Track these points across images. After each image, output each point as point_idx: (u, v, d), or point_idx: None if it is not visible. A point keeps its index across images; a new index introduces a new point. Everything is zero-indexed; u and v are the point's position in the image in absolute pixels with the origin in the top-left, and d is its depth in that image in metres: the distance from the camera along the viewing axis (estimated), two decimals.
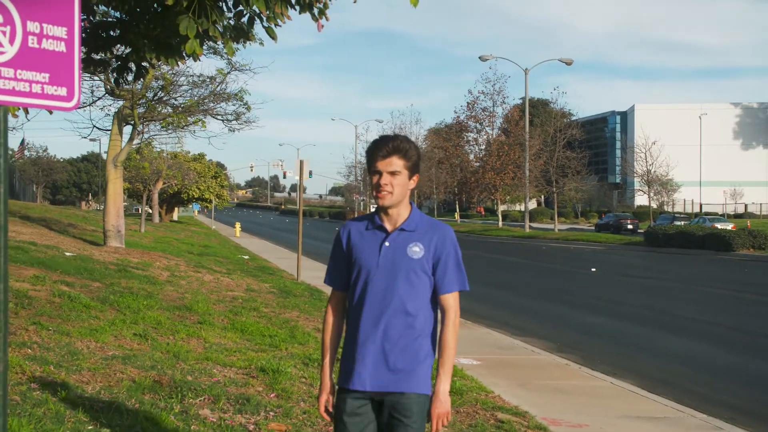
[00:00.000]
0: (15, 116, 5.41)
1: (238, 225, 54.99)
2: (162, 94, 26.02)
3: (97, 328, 10.61)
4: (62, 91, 2.42)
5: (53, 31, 2.38)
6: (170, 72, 25.05)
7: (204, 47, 18.89)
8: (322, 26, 5.52)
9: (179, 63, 5.38)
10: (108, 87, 24.18)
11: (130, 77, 6.33)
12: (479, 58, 62.74)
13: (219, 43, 5.35)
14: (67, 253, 19.27)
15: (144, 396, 7.51)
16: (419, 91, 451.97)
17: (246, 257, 29.96)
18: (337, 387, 4.35)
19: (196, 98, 26.59)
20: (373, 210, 4.52)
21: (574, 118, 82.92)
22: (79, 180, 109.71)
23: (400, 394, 4.17)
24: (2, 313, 2.19)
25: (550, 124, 66.55)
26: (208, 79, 26.38)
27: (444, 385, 4.18)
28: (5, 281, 2.18)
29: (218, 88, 26.54)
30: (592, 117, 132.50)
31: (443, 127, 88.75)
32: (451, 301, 4.26)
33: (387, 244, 4.25)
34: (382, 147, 4.19)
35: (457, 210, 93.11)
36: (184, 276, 19.32)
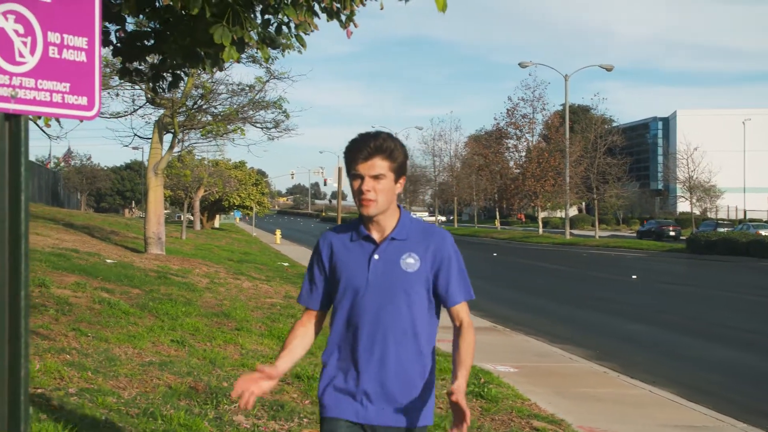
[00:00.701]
0: (48, 125, 5.48)
1: (278, 232, 55.22)
2: (202, 103, 26.25)
3: (135, 334, 10.71)
4: (83, 101, 2.46)
5: (74, 41, 2.41)
6: (210, 81, 25.29)
7: (242, 55, 18.95)
8: (351, 33, 5.54)
9: (207, 71, 5.42)
10: (148, 96, 24.41)
11: (165, 86, 6.40)
12: (519, 64, 62.52)
13: (254, 49, 5.36)
14: (108, 260, 19.47)
15: (179, 402, 7.57)
16: (459, 98, 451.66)
17: (285, 264, 30.08)
18: (320, 417, 3.81)
19: (235, 106, 26.80)
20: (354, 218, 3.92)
21: (615, 125, 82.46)
22: (123, 188, 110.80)
23: (404, 429, 3.71)
24: (23, 319, 2.22)
25: (591, 130, 66.08)
26: (247, 88, 26.59)
27: (463, 386, 3.50)
28: (26, 288, 2.22)
29: (257, 97, 26.72)
30: (634, 123, 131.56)
31: (483, 134, 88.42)
32: (463, 312, 3.79)
33: (376, 257, 3.72)
34: (362, 147, 3.65)
35: (497, 217, 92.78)
36: (223, 283, 19.43)
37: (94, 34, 2.46)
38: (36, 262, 15.96)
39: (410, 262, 3.71)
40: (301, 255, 38.75)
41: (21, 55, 2.30)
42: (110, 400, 7.25)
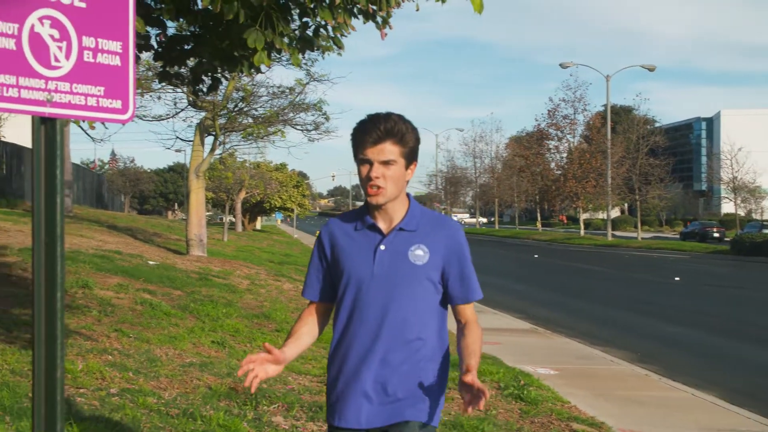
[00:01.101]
0: (92, 128, 5.55)
1: (318, 233, 55.31)
2: (242, 105, 26.44)
3: (176, 335, 10.80)
4: (117, 104, 2.48)
5: (108, 45, 2.44)
6: (250, 83, 25.47)
7: (279, 58, 18.94)
8: (386, 35, 5.54)
9: (244, 74, 5.46)
10: (190, 99, 24.62)
11: (205, 89, 6.46)
12: (560, 65, 62.17)
13: (285, 54, 5.38)
14: (151, 262, 19.64)
15: (219, 403, 7.62)
16: (500, 99, 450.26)
17: None
18: (327, 425, 3.62)
19: (275, 109, 26.96)
20: (361, 205, 3.69)
21: (657, 125, 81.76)
22: (166, 190, 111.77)
23: (403, 424, 3.47)
24: (59, 321, 2.25)
25: (633, 131, 65.49)
26: (288, 90, 26.72)
27: (474, 368, 3.33)
28: (62, 289, 2.24)
29: (297, 99, 26.86)
30: (677, 123, 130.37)
31: (524, 135, 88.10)
32: (470, 312, 3.60)
33: (383, 247, 3.47)
34: (371, 130, 3.36)
35: (539, 218, 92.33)
36: (264, 285, 19.52)
37: (129, 39, 2.48)
38: (80, 263, 16.14)
39: (419, 254, 3.47)
40: None
41: (56, 60, 2.33)
42: (151, 401, 7.31)
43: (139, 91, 26.31)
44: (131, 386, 7.78)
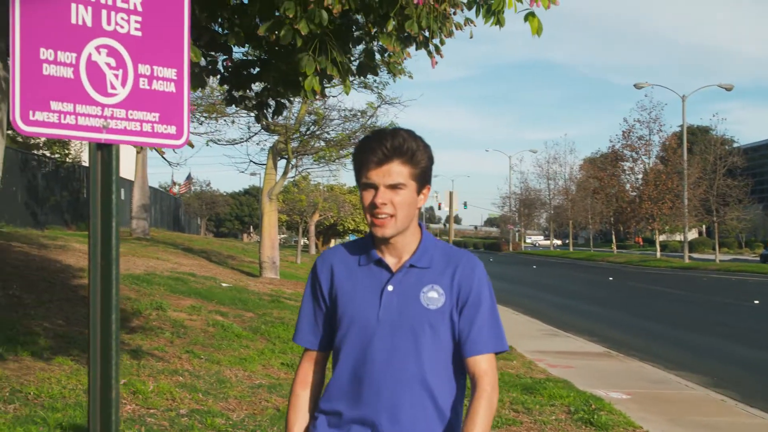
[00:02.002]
0: (161, 153, 5.66)
1: None
2: (314, 129, 26.73)
3: (246, 357, 10.91)
4: (172, 130, 2.55)
5: (163, 72, 2.51)
6: (323, 107, 25.74)
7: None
8: (436, 62, 5.56)
9: (307, 98, 5.54)
10: (263, 123, 24.93)
11: (270, 113, 6.57)
12: (634, 85, 61.45)
13: (342, 79, 5.43)
14: (224, 284, 19.89)
15: None
16: (574, 120, 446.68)
17: None
18: None
19: (347, 132, 27.18)
20: (364, 235, 3.12)
21: (735, 145, 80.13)
22: (241, 213, 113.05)
23: None
24: (114, 341, 2.30)
25: (710, 151, 64.34)
26: (359, 113, 26.93)
27: None
28: (116, 311, 2.30)
29: (369, 122, 27.03)
30: (756, 143, 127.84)
31: (598, 156, 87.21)
32: (485, 365, 2.90)
33: (390, 288, 2.91)
34: (375, 148, 2.83)
35: (614, 240, 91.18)
36: None
37: (183, 66, 2.55)
38: (154, 285, 16.44)
39: (433, 296, 2.90)
40: None
41: (113, 87, 2.40)
42: (219, 422, 7.38)
43: (214, 115, 26.74)
44: (200, 407, 7.87)
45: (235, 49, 6.40)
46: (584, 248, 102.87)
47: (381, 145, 2.82)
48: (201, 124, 32.19)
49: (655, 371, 13.95)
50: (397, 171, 2.83)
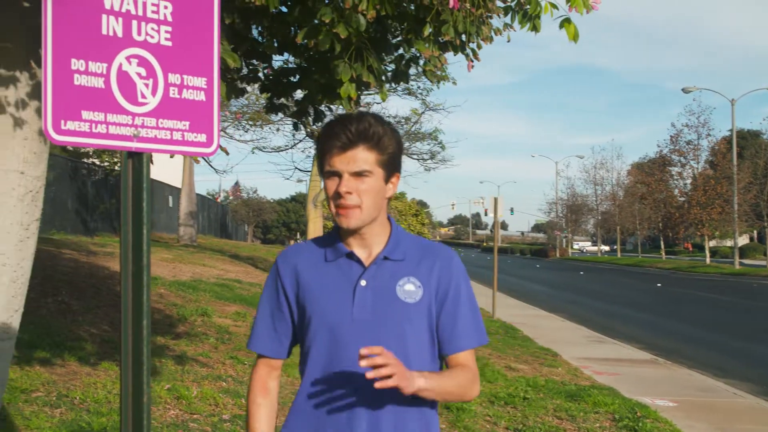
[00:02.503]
0: (197, 161, 5.73)
1: None
2: None
3: (288, 362, 10.91)
4: (202, 138, 2.58)
5: (193, 81, 2.54)
6: None
7: (399, 89, 19.17)
8: (473, 66, 5.57)
9: (344, 106, 5.56)
10: (308, 130, 25.09)
11: (309, 121, 6.62)
12: (682, 90, 60.79)
13: (373, 87, 5.45)
14: None
15: None
16: (622, 125, 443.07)
17: None
18: None
19: None
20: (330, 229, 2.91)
21: None
22: (288, 219, 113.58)
23: None
24: (145, 347, 2.34)
25: (761, 156, 63.41)
26: (403, 120, 27.00)
27: (423, 379, 2.54)
28: (148, 317, 2.33)
29: (413, 128, 27.07)
30: None
31: (646, 161, 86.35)
32: (470, 361, 2.79)
33: (363, 283, 2.70)
34: (339, 133, 2.63)
35: (662, 246, 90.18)
36: None
37: (213, 75, 2.58)
38: (200, 292, 16.59)
39: (410, 289, 2.70)
40: None
41: (143, 96, 2.44)
42: None
43: (259, 123, 26.93)
44: (243, 412, 7.92)
45: (276, 57, 6.46)
46: (632, 254, 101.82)
47: (345, 130, 2.62)
48: (247, 131, 32.47)
49: (703, 379, 13.78)
50: (363, 157, 2.63)
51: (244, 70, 6.49)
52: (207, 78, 2.57)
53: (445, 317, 2.74)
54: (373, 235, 2.74)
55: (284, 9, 5.81)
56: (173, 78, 2.51)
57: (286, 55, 6.52)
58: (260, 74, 6.58)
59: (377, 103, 26.19)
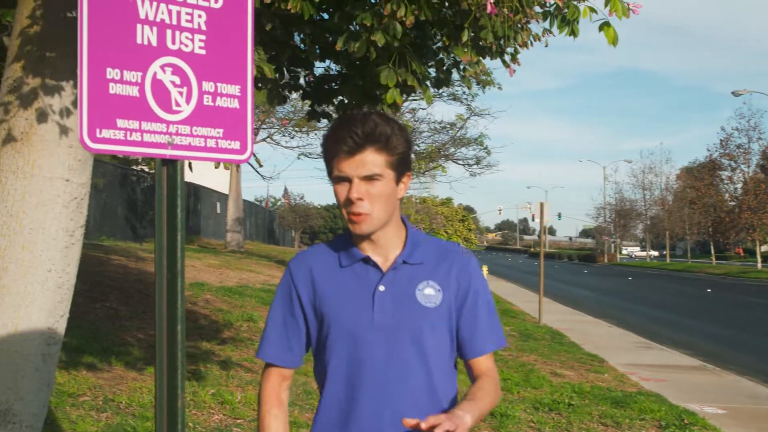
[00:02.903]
0: (226, 167, 5.77)
1: (485, 268, 55.04)
2: None
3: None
4: (236, 145, 2.61)
5: (227, 89, 2.57)
6: (412, 119, 25.86)
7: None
8: (514, 71, 5.56)
9: (385, 111, 5.58)
10: None
11: None
12: (732, 93, 60.03)
13: (418, 92, 5.46)
14: None
15: None
16: (671, 129, 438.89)
17: None
18: None
19: (437, 144, 27.26)
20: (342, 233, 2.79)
21: None
22: (335, 225, 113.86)
23: None
24: (179, 352, 2.37)
25: None
26: (449, 125, 27.00)
27: (468, 416, 2.41)
28: (182, 323, 2.36)
29: (458, 134, 27.07)
30: None
31: (695, 165, 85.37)
32: (489, 363, 2.72)
33: (382, 288, 2.61)
34: (345, 136, 2.51)
35: (712, 251, 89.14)
36: None
37: (247, 82, 2.61)
38: (246, 297, 16.71)
39: (430, 293, 2.62)
40: (509, 291, 38.52)
41: (177, 105, 2.47)
42: (304, 431, 7.47)
43: (304, 129, 27.05)
44: None
45: (318, 63, 6.51)
46: (682, 259, 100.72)
47: (351, 133, 2.50)
48: (293, 138, 32.66)
49: (753, 386, 13.57)
50: (372, 160, 2.52)
51: (286, 77, 6.54)
52: (241, 85, 2.60)
53: (464, 321, 2.68)
54: (388, 239, 2.66)
55: (326, 16, 5.85)
56: (207, 86, 2.54)
57: (327, 62, 6.56)
58: (302, 81, 6.63)
59: (422, 108, 26.26)
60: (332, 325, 2.61)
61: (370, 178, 2.53)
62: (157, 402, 2.40)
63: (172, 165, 2.45)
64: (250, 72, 2.59)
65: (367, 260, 2.65)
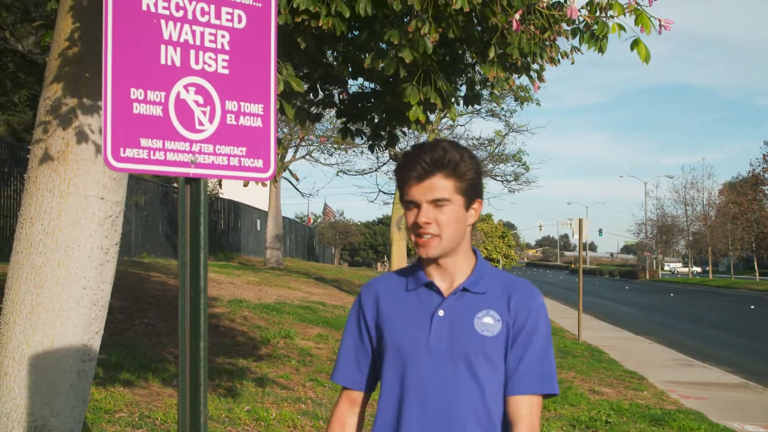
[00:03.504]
0: (275, 186, 5.80)
1: None
2: None
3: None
4: (258, 163, 2.63)
5: (250, 108, 2.60)
6: (450, 136, 25.89)
7: (482, 110, 19.25)
8: (539, 87, 5.56)
9: (416, 130, 5.60)
10: (392, 153, 25.25)
11: (383, 145, 6.67)
12: None
13: (440, 109, 5.48)
14: None
15: None
16: (713, 144, 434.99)
17: None
18: None
19: None
20: (415, 261, 2.82)
21: None
22: (375, 242, 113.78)
23: None
24: (202, 368, 2.39)
25: None
26: (487, 142, 27.00)
27: None
28: (204, 339, 2.39)
29: (496, 150, 27.06)
30: None
31: (738, 180, 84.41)
32: (525, 409, 2.62)
33: (441, 313, 2.63)
34: (415, 163, 2.59)
35: (756, 267, 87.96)
36: None
37: (270, 101, 2.64)
38: (284, 314, 16.76)
39: (488, 322, 2.62)
40: (548, 308, 38.06)
41: (200, 124, 2.51)
42: None
43: (343, 146, 27.18)
44: None
45: (351, 81, 6.56)
46: (725, 275, 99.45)
47: (420, 159, 2.59)
48: (331, 155, 32.80)
49: None
50: (440, 185, 2.58)
51: (320, 95, 6.59)
52: (264, 104, 2.63)
53: (513, 354, 2.64)
54: (456, 266, 2.69)
55: (357, 33, 5.89)
56: (230, 105, 2.58)
57: (360, 80, 6.60)
58: (335, 99, 6.67)
59: (460, 125, 26.29)
60: (389, 344, 2.67)
61: (438, 203, 2.58)
62: (180, 419, 2.43)
63: (195, 183, 2.48)
64: (273, 91, 2.62)
65: (430, 285, 2.69)
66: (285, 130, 32.92)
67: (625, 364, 16.88)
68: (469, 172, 2.62)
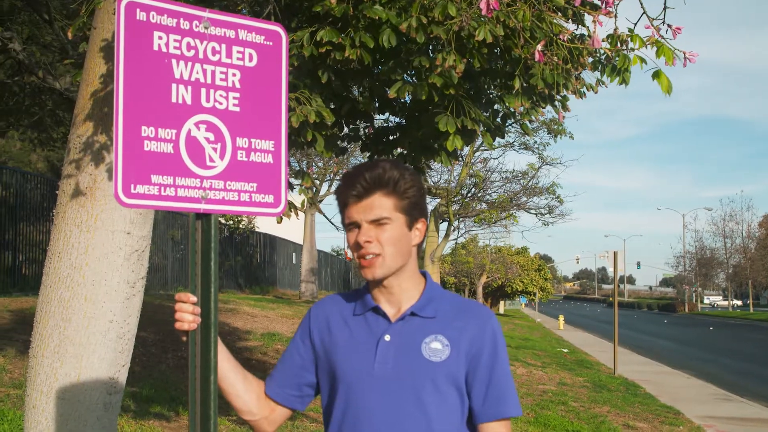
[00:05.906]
0: (285, 219, 5.85)
1: (561, 317, 54.36)
2: (475, 191, 26.91)
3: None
4: (269, 199, 2.66)
5: (261, 144, 2.63)
6: (483, 169, 25.94)
7: (516, 144, 19.32)
8: (564, 117, 5.59)
9: (443, 163, 5.64)
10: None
11: None
12: None
13: (479, 137, 5.52)
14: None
15: None
16: (753, 176, 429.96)
17: (565, 350, 29.62)
18: None
19: (508, 194, 27.25)
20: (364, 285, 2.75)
21: None
22: None
23: None
24: (212, 402, 2.41)
25: None
26: (520, 174, 27.00)
27: None
28: (215, 373, 2.41)
29: (530, 183, 27.04)
30: None
31: None
32: (503, 431, 2.59)
33: (387, 338, 2.57)
34: (353, 182, 2.55)
35: None
36: None
37: (281, 137, 2.67)
38: None
39: (436, 347, 2.53)
40: (585, 341, 37.95)
41: (211, 160, 2.54)
42: None
43: None
44: None
45: (377, 116, 6.61)
46: (766, 309, 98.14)
47: (359, 178, 2.53)
48: None
49: None
50: (380, 204, 2.53)
51: (345, 130, 6.64)
52: (275, 141, 2.66)
53: (477, 384, 2.56)
54: (403, 290, 2.61)
55: (381, 67, 5.94)
56: (241, 142, 2.61)
57: (386, 114, 6.65)
58: (361, 133, 6.72)
59: (494, 158, 26.30)
60: (336, 369, 2.59)
61: (379, 222, 2.53)
62: None
63: (206, 219, 2.51)
64: (283, 127, 2.65)
65: (376, 309, 2.62)
66: (320, 164, 33.09)
67: (661, 398, 16.68)
68: (409, 189, 2.57)
